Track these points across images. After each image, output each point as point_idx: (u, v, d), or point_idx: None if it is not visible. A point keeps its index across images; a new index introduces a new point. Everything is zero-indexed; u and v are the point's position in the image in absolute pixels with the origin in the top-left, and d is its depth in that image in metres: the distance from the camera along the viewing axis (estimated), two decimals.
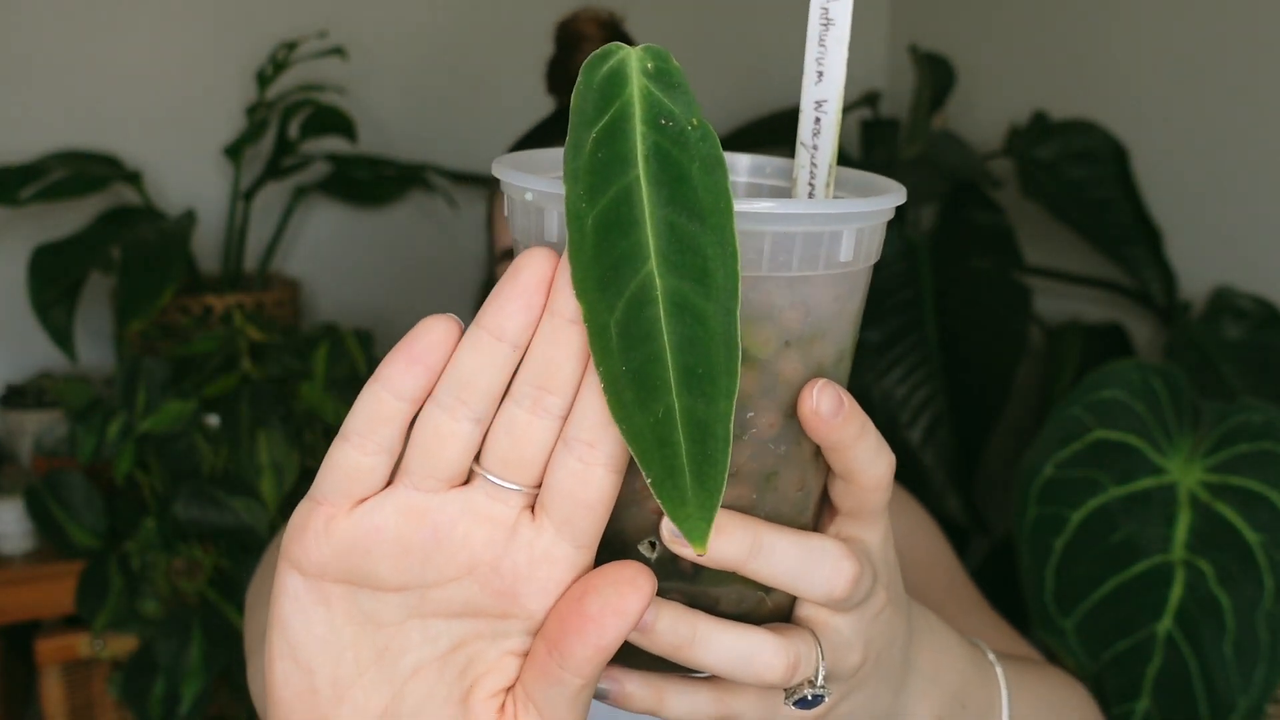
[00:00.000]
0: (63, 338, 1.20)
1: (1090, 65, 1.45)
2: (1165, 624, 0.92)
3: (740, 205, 0.32)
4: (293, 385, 1.22)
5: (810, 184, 0.42)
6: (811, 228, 0.34)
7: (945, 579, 0.76)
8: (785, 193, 0.46)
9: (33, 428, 1.33)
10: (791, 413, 0.35)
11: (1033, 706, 0.52)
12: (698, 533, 0.30)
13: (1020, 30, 1.58)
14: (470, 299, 1.69)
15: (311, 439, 1.24)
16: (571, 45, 0.89)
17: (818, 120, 0.42)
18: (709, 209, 0.31)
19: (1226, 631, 0.90)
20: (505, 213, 0.37)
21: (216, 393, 1.19)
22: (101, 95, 1.47)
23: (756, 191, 0.47)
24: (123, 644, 1.17)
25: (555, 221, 0.34)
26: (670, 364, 0.30)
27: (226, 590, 1.17)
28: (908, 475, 1.24)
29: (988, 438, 1.29)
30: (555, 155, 0.43)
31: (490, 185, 1.64)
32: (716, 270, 0.31)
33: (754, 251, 0.33)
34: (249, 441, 1.16)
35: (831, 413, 0.34)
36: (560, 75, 0.90)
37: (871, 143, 1.58)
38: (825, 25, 0.41)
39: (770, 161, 0.47)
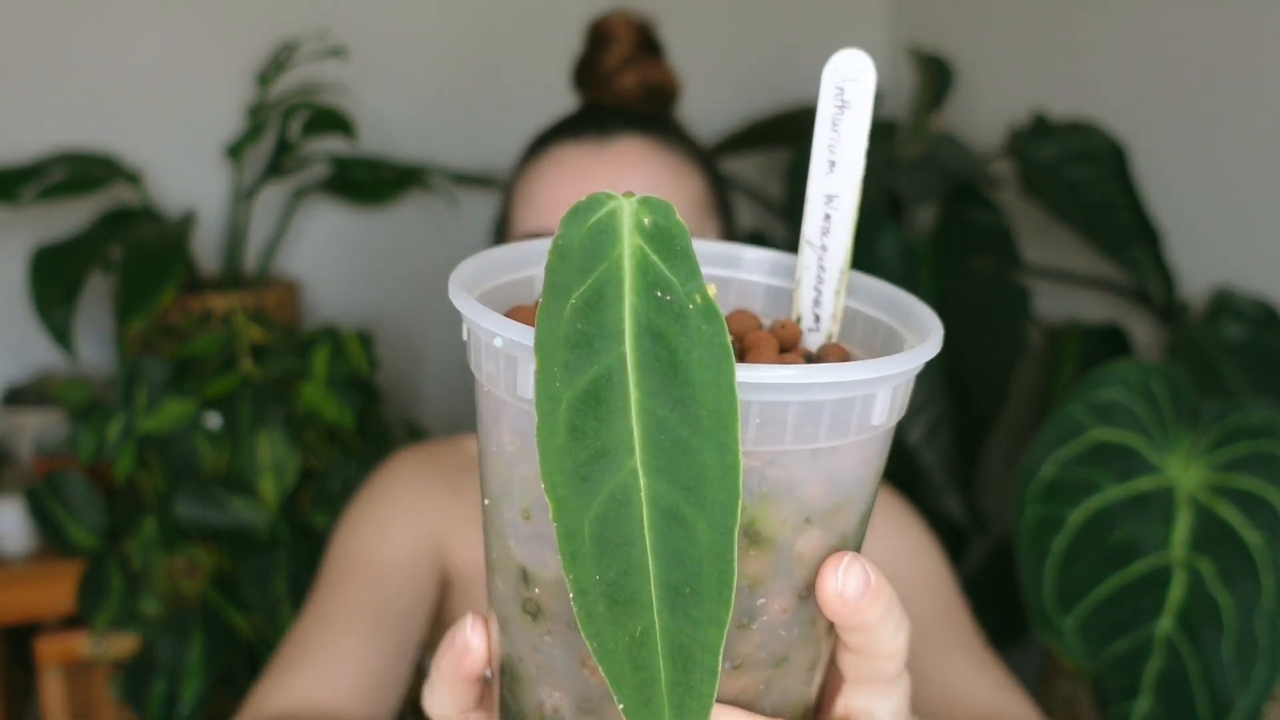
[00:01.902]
0: (63, 338, 1.20)
1: (1090, 65, 1.45)
2: (1164, 624, 0.93)
3: (762, 375, 0.27)
4: (293, 385, 1.23)
5: (817, 289, 0.37)
6: (844, 394, 0.29)
7: (941, 611, 0.74)
8: (788, 296, 0.39)
9: (33, 428, 1.33)
10: (807, 593, 0.31)
11: None
12: None
13: (1020, 30, 1.57)
14: None
15: (312, 439, 1.24)
16: (601, 44, 0.88)
17: (827, 217, 0.36)
18: (708, 411, 0.26)
19: (1226, 632, 0.90)
20: (466, 340, 0.32)
21: (217, 393, 1.19)
22: (101, 95, 1.47)
23: (753, 294, 0.41)
24: (123, 644, 1.17)
25: (530, 379, 0.28)
26: (652, 577, 0.26)
27: (227, 590, 1.17)
28: (907, 475, 1.24)
29: (987, 438, 1.29)
30: (520, 254, 0.37)
31: (496, 186, 1.63)
32: (713, 482, 0.26)
33: (775, 424, 0.28)
34: (249, 441, 1.16)
35: (858, 594, 0.31)
36: (587, 72, 0.89)
37: (871, 143, 1.58)
38: (840, 108, 0.34)
39: (784, 260, 0.41)
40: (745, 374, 0.27)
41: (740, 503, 0.26)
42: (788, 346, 0.36)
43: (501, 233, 0.86)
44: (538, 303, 0.27)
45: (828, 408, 0.29)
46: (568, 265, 0.27)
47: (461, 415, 1.69)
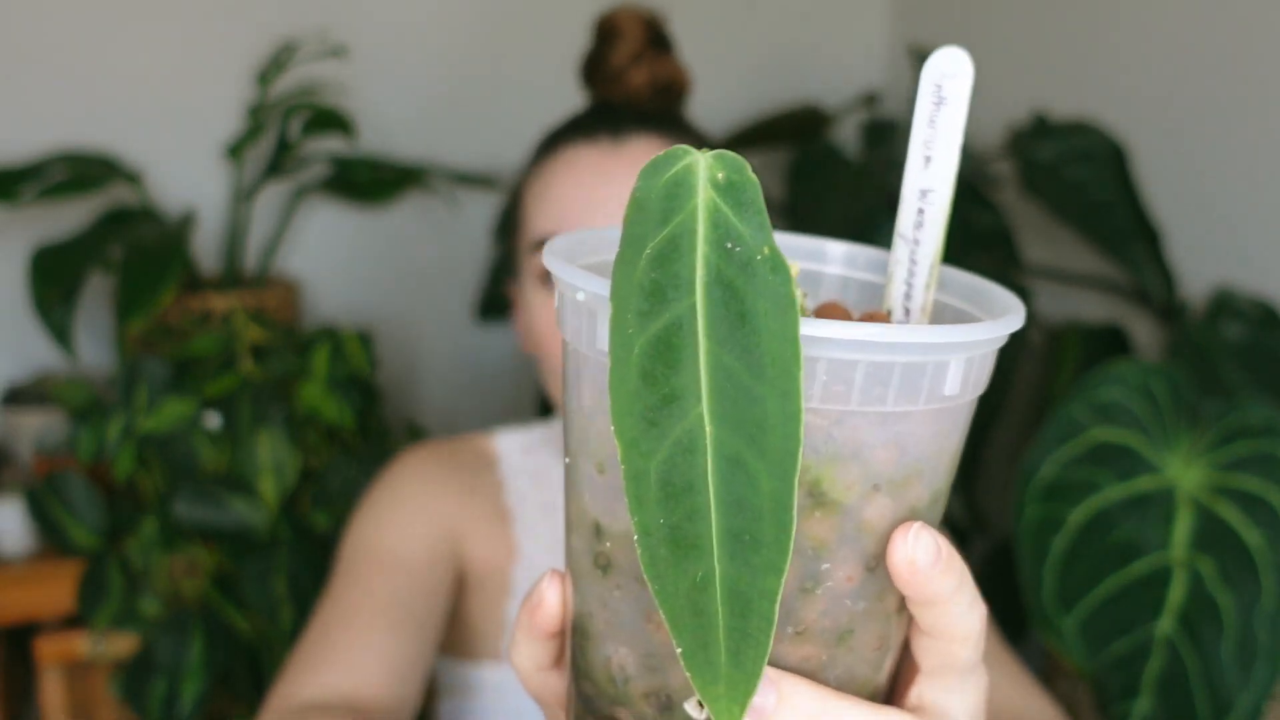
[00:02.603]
0: (63, 338, 1.20)
1: (1090, 65, 1.45)
2: (1164, 624, 0.93)
3: (828, 329, 0.28)
4: (293, 385, 1.23)
5: (908, 283, 0.37)
6: (914, 358, 0.29)
7: None
8: (878, 291, 0.40)
9: (33, 428, 1.33)
10: (875, 565, 0.31)
11: None
12: (729, 715, 0.26)
13: (1020, 30, 1.58)
14: (470, 299, 1.69)
15: (312, 439, 1.24)
16: (609, 40, 0.87)
17: (921, 211, 0.36)
18: (772, 359, 0.27)
19: (1226, 631, 0.90)
20: (555, 305, 0.34)
21: (217, 393, 1.19)
22: (101, 95, 1.47)
23: (844, 288, 0.41)
24: (123, 644, 1.17)
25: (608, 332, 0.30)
26: (714, 524, 0.27)
27: (227, 590, 1.17)
28: None
29: (988, 438, 1.29)
30: (611, 238, 0.38)
31: (496, 186, 1.63)
32: (775, 430, 0.26)
33: (842, 383, 0.29)
34: (249, 441, 1.16)
35: (929, 563, 0.30)
36: (595, 69, 0.88)
37: (871, 143, 1.58)
38: (938, 104, 0.34)
39: (864, 253, 0.41)
40: (810, 328, 0.28)
41: (801, 453, 0.27)
42: None
43: (510, 233, 0.86)
44: None
45: (897, 370, 0.29)
46: (644, 217, 0.28)
47: (461, 415, 1.69)
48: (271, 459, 1.17)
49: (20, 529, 1.24)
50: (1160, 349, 1.31)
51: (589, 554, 0.33)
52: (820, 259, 0.41)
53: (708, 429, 0.27)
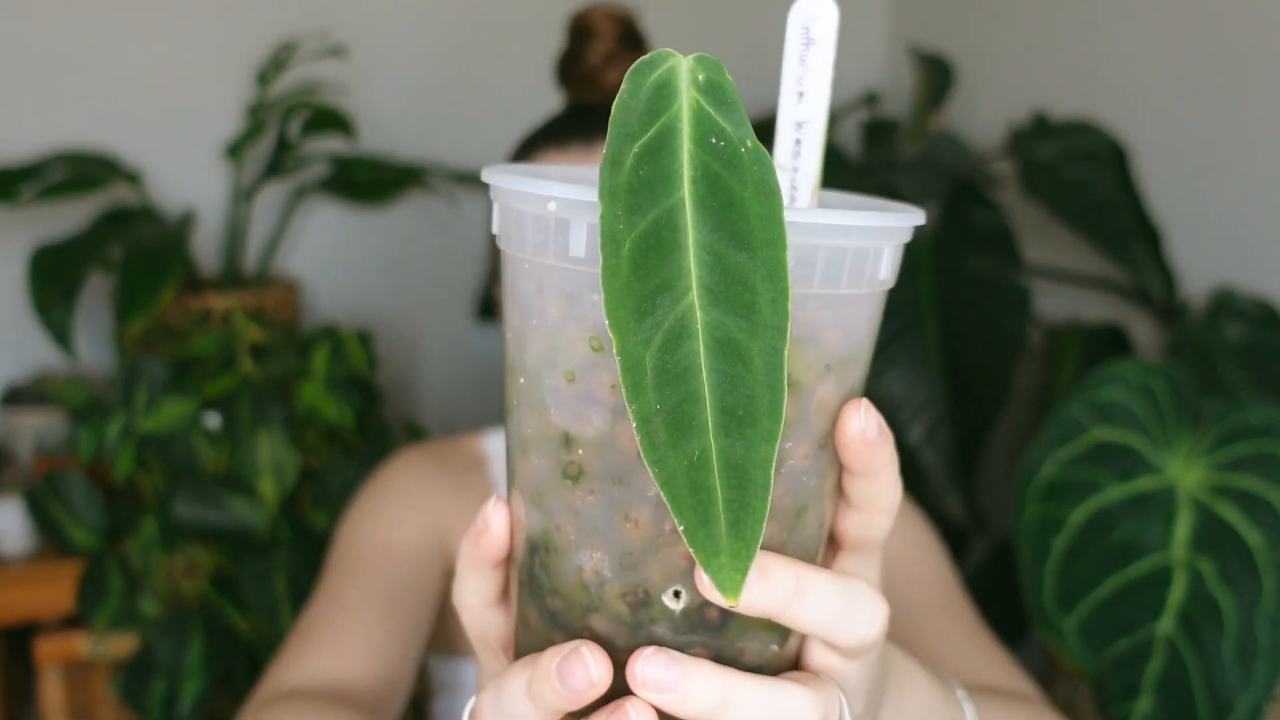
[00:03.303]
0: (62, 338, 1.20)
1: (1090, 64, 1.45)
2: (1165, 624, 0.93)
3: (800, 215, 0.30)
4: (293, 385, 1.23)
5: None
6: (861, 242, 0.32)
7: (940, 597, 0.74)
8: None
9: (33, 428, 1.33)
10: (824, 442, 0.34)
11: None
12: (731, 584, 0.28)
13: (1020, 30, 1.57)
14: (470, 299, 1.69)
15: (312, 439, 1.24)
16: (583, 40, 0.86)
17: (798, 141, 0.39)
18: (760, 240, 0.28)
19: (1226, 632, 0.90)
20: (496, 229, 0.34)
21: (217, 393, 1.19)
22: (101, 94, 1.47)
23: None
24: (122, 644, 1.17)
25: (584, 237, 0.31)
26: (708, 404, 0.28)
27: (227, 590, 1.17)
28: (907, 475, 1.24)
29: (988, 438, 1.29)
30: (553, 172, 0.41)
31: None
32: (764, 306, 0.28)
33: (807, 267, 0.31)
34: (249, 441, 1.16)
35: (876, 435, 0.33)
36: (570, 70, 0.87)
37: (871, 143, 1.58)
38: (806, 44, 0.38)
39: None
40: (787, 214, 0.29)
41: (789, 326, 0.28)
42: None
43: (494, 237, 0.85)
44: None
45: (849, 255, 0.32)
46: (630, 118, 0.29)
47: (461, 415, 1.69)
48: (271, 459, 1.17)
49: (20, 529, 1.24)
50: (1160, 349, 1.31)
51: (555, 469, 0.34)
52: None
53: (699, 314, 0.28)
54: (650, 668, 0.31)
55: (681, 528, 0.28)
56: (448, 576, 0.82)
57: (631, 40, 0.87)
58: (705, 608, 0.33)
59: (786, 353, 0.28)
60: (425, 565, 0.79)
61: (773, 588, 0.32)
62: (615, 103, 0.29)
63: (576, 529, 0.34)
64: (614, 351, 0.28)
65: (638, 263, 0.28)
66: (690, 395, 0.28)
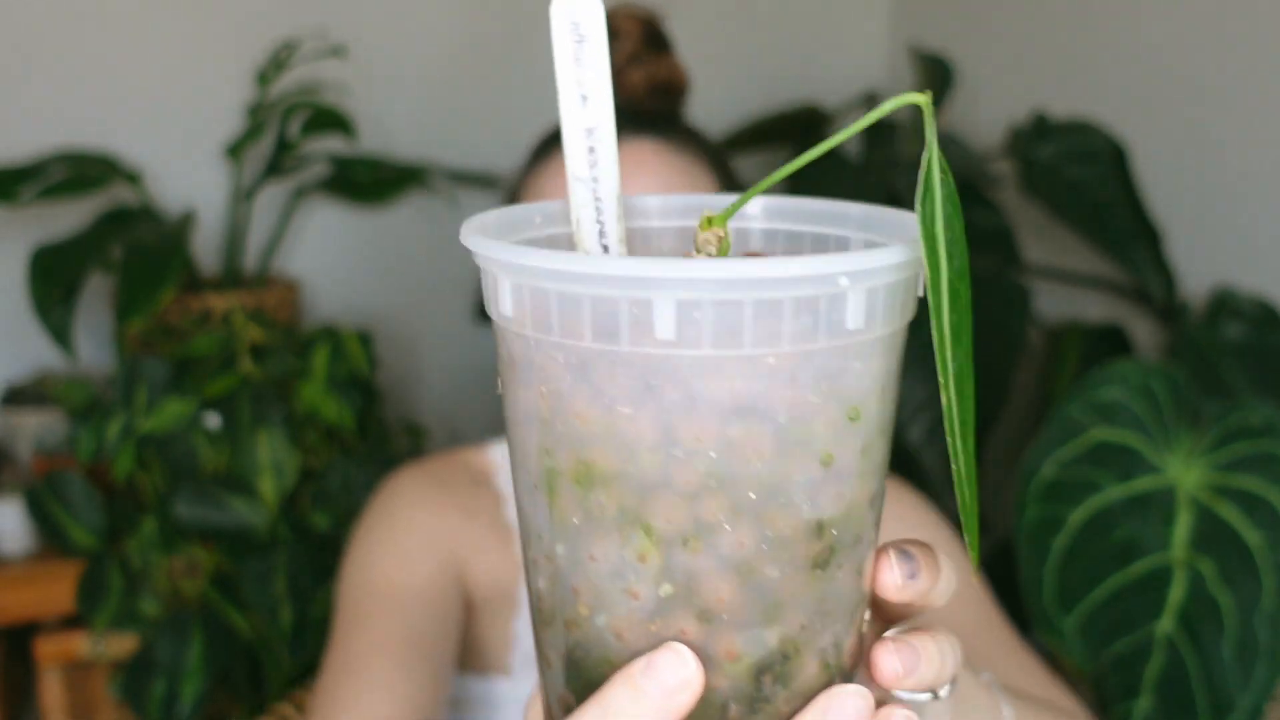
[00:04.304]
0: (62, 338, 1.20)
1: (1090, 65, 1.45)
2: (1165, 624, 0.93)
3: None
4: (293, 385, 1.22)
5: (599, 222, 0.38)
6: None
7: (975, 614, 0.73)
8: (801, 239, 0.42)
9: (33, 428, 1.33)
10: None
11: None
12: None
13: (1020, 30, 1.57)
14: (470, 299, 1.69)
15: (312, 439, 1.24)
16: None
17: (591, 150, 0.37)
18: None
19: (1226, 632, 0.90)
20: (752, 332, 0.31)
21: (217, 393, 1.19)
22: (101, 95, 1.47)
23: (771, 239, 0.43)
24: (122, 644, 1.17)
25: (861, 304, 0.32)
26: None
27: (227, 590, 1.17)
28: (908, 476, 1.24)
29: (987, 438, 1.29)
30: (526, 213, 0.41)
31: (496, 186, 1.62)
32: None
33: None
34: (249, 441, 1.16)
35: (909, 580, 0.36)
36: None
37: (871, 143, 1.58)
38: (579, 42, 0.36)
39: (782, 203, 0.43)
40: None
41: None
42: None
43: None
44: None
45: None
46: None
47: (461, 415, 1.69)
48: (271, 459, 1.17)
49: (20, 529, 1.24)
50: (1160, 349, 1.31)
51: (804, 563, 0.33)
52: (742, 216, 0.43)
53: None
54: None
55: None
56: (465, 602, 0.79)
57: (655, 41, 0.85)
58: None
59: None
60: (442, 598, 0.76)
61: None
62: None
63: (821, 614, 0.34)
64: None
65: None
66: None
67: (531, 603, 0.36)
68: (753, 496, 0.32)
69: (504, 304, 0.34)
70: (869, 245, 0.39)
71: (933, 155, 0.31)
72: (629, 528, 0.32)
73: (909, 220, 0.38)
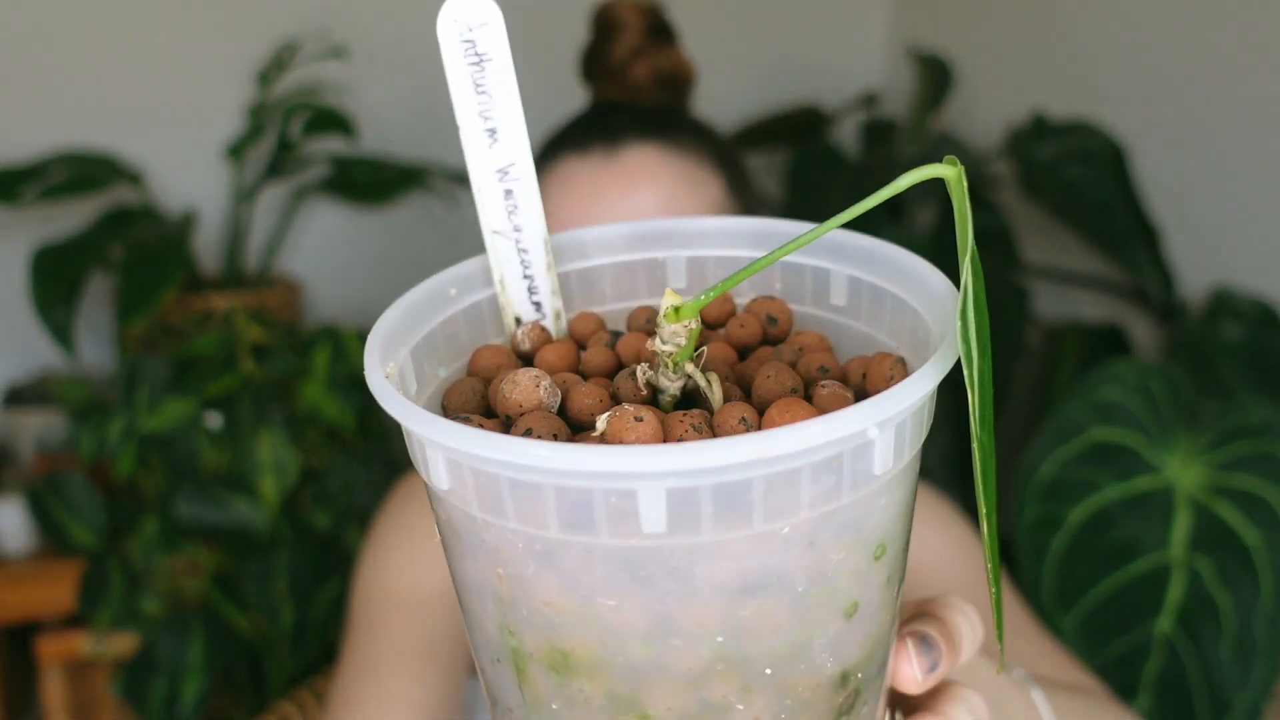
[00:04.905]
0: (64, 337, 1.20)
1: (1089, 65, 1.45)
2: (1164, 624, 0.93)
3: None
4: (294, 385, 1.23)
5: (527, 277, 0.32)
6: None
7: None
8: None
9: (34, 427, 1.33)
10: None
11: None
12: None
13: (1020, 30, 1.58)
14: None
15: (313, 438, 1.24)
16: (608, 33, 0.80)
17: (509, 193, 0.31)
18: None
19: (1225, 631, 0.91)
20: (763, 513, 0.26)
21: (218, 392, 1.19)
22: (102, 95, 1.47)
23: (728, 265, 0.37)
24: (123, 643, 1.18)
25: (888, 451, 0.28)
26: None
27: (227, 590, 1.17)
28: None
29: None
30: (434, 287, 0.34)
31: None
32: None
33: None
34: (250, 441, 1.16)
35: (931, 671, 0.35)
36: (594, 64, 0.81)
37: (871, 143, 1.58)
38: (479, 63, 0.28)
39: (740, 224, 0.37)
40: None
41: None
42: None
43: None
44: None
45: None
46: None
47: None
48: (272, 458, 1.17)
49: (21, 528, 1.24)
50: (1159, 349, 1.31)
51: (831, 700, 0.29)
52: (704, 243, 0.37)
53: None
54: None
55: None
56: None
57: (659, 33, 0.82)
58: None
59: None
60: (451, 601, 0.74)
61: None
62: None
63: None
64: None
65: None
66: None
67: None
68: (768, 672, 0.27)
69: (437, 476, 0.27)
70: (865, 278, 0.34)
71: (971, 267, 0.26)
72: (622, 715, 0.27)
73: (902, 260, 0.33)
